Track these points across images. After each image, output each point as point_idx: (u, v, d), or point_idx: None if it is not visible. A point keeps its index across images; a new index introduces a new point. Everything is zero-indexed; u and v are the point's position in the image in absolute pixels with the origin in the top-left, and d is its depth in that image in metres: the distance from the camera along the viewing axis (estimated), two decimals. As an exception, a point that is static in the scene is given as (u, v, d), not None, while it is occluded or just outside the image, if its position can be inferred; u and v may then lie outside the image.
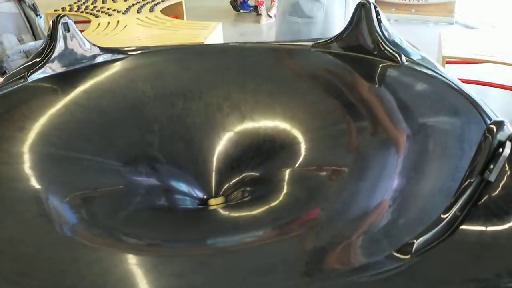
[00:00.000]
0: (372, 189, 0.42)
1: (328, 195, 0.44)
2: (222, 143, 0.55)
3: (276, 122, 0.55)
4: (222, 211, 0.48)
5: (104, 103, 0.56)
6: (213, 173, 0.54)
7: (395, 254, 0.32)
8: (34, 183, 0.43)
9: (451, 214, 0.33)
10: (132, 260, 0.38)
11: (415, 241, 0.32)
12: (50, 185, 0.43)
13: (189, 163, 0.54)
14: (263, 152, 0.53)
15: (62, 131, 0.52)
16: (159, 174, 0.51)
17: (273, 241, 0.41)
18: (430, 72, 0.54)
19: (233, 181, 0.53)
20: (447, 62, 1.32)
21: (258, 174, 0.52)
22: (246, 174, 0.53)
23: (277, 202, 0.46)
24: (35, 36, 1.25)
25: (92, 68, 0.60)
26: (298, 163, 0.49)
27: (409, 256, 0.32)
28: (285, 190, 0.48)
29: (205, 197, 0.53)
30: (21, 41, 1.22)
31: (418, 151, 0.43)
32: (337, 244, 0.37)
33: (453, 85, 0.50)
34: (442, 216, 0.33)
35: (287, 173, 0.49)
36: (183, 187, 0.52)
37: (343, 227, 0.39)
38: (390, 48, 0.57)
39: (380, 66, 0.58)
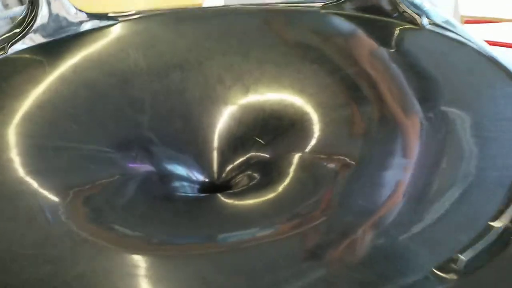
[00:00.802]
0: (397, 180, 0.37)
1: (343, 186, 0.39)
2: (224, 120, 0.50)
3: (283, 96, 0.49)
4: (228, 200, 0.43)
5: (93, 77, 0.50)
6: (215, 154, 0.49)
7: (438, 273, 0.27)
8: (15, 175, 0.39)
9: (505, 222, 0.27)
10: (127, 261, 0.34)
11: (461, 256, 0.27)
12: (35, 176, 0.38)
13: (189, 144, 0.49)
14: (270, 130, 0.48)
15: (46, 111, 0.46)
16: (156, 158, 0.46)
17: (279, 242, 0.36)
18: (456, 37, 0.49)
19: (237, 162, 0.48)
20: (466, 22, 1.24)
21: (265, 155, 0.47)
22: (252, 154, 0.48)
23: (286, 191, 0.41)
24: (21, 1, 1.19)
25: (78, 37, 0.54)
26: (310, 145, 0.44)
27: (456, 276, 0.27)
28: (294, 178, 0.43)
29: (207, 180, 0.48)
30: (6, 6, 1.16)
31: (449, 133, 0.38)
32: (356, 254, 0.31)
33: (485, 53, 0.44)
34: (492, 224, 0.28)
35: (297, 158, 0.43)
36: (183, 171, 0.47)
37: (366, 230, 0.34)
38: (409, 9, 0.52)
39: (399, 29, 0.52)
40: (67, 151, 0.43)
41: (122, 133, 0.46)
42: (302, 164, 0.43)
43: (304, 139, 0.44)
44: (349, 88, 0.47)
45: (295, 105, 0.48)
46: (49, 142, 0.43)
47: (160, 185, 0.44)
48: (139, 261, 0.33)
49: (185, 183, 0.46)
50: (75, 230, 0.34)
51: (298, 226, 0.38)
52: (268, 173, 0.44)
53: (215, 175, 0.49)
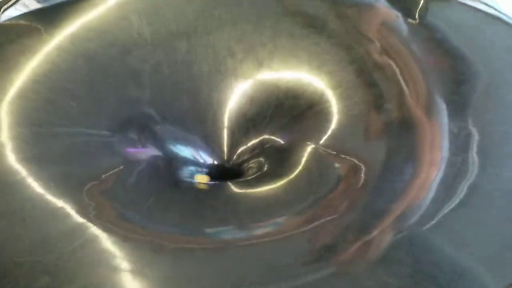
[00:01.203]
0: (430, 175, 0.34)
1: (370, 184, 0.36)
2: (235, 98, 0.46)
3: (300, 72, 0.45)
4: (239, 190, 0.40)
5: (92, 48, 0.46)
6: (225, 135, 0.45)
7: None
8: (7, 162, 0.35)
9: None
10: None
11: None
12: (30, 164, 0.35)
13: (196, 123, 0.45)
14: (285, 112, 0.44)
15: (42, 86, 0.42)
16: (160, 139, 0.43)
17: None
18: (490, 10, 0.44)
19: (249, 144, 0.45)
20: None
21: (279, 140, 0.43)
22: (265, 137, 0.44)
23: (301, 182, 0.38)
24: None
25: (76, 2, 0.50)
26: (330, 130, 0.40)
27: None
28: (309, 170, 0.39)
29: (216, 163, 0.45)
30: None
31: (490, 122, 0.34)
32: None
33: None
34: None
35: (315, 149, 0.40)
36: (190, 153, 0.44)
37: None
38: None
39: (424, 0, 0.47)
40: (66, 134, 0.39)
41: (124, 111, 0.43)
42: (320, 156, 0.39)
43: (324, 123, 0.41)
44: (372, 67, 0.43)
45: (313, 83, 0.44)
46: (45, 123, 0.40)
47: (166, 171, 0.41)
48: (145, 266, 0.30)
49: (192, 168, 0.42)
50: (76, 230, 0.31)
51: (313, 221, 0.35)
52: (282, 162, 0.41)
53: (225, 157, 0.45)
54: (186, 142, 0.44)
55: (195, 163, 0.43)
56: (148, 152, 0.42)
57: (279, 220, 0.36)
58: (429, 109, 0.37)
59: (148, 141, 0.42)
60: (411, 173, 0.35)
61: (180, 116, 0.45)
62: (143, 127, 0.42)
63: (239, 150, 0.45)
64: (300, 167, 0.39)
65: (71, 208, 0.32)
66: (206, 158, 0.44)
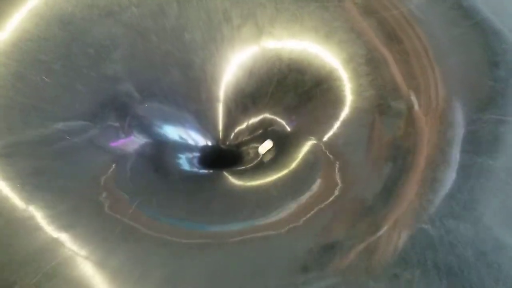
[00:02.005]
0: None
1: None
2: (232, 70, 0.41)
3: (305, 42, 0.40)
4: (237, 182, 0.36)
5: (69, 10, 0.40)
6: (220, 113, 0.40)
7: None
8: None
9: None
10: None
11: None
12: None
13: (188, 99, 0.40)
14: (289, 88, 0.39)
15: (12, 58, 0.37)
16: (146, 123, 0.38)
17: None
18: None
19: (247, 124, 0.40)
20: None
21: (281, 121, 0.38)
22: (266, 116, 0.40)
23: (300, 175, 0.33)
24: None
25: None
26: (338, 123, 0.35)
27: None
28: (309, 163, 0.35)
29: (209, 144, 0.41)
30: None
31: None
32: None
33: None
34: None
35: (315, 146, 0.35)
36: (178, 136, 0.39)
37: None
38: None
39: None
40: (39, 120, 0.34)
41: (106, 90, 0.38)
42: (317, 158, 0.34)
43: (332, 110, 0.36)
44: (389, 39, 0.37)
45: (320, 56, 0.39)
46: (15, 105, 0.34)
47: (157, 161, 0.36)
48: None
49: (182, 155, 0.38)
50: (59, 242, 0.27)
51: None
52: (283, 152, 0.36)
53: (220, 138, 0.41)
54: (174, 122, 0.39)
55: (186, 146, 0.39)
56: (134, 141, 0.37)
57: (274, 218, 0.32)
58: (446, 111, 0.33)
59: (133, 127, 0.37)
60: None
61: (169, 92, 0.40)
62: (125, 110, 0.37)
63: (236, 130, 0.40)
64: (295, 163, 0.35)
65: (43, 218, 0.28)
66: (198, 139, 0.39)
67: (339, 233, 0.30)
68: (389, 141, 0.32)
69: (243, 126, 0.40)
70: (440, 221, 0.28)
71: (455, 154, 0.30)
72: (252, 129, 0.40)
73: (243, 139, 0.40)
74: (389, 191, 0.30)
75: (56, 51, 0.38)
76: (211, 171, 0.38)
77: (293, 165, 0.35)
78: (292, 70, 0.39)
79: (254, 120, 0.40)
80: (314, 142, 0.35)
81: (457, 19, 0.36)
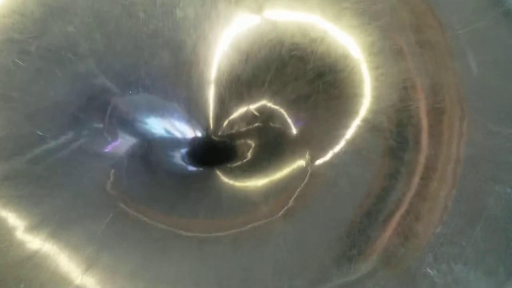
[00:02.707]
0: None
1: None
2: (227, 53, 0.37)
3: (310, 24, 0.35)
4: (230, 181, 0.32)
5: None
6: (211, 101, 0.37)
7: None
8: None
9: None
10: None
11: None
12: None
13: (178, 86, 0.36)
14: (288, 76, 0.35)
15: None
16: (128, 120, 0.34)
17: None
18: None
19: (241, 113, 0.36)
20: None
21: (280, 111, 0.34)
22: (264, 104, 0.36)
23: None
24: None
25: None
26: (335, 147, 0.31)
27: None
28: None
29: (199, 135, 0.37)
30: None
31: None
32: None
33: None
34: None
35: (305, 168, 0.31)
36: (163, 129, 0.35)
37: None
38: None
39: None
40: (11, 113, 0.31)
41: (87, 77, 0.34)
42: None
43: (337, 109, 0.32)
44: (403, 26, 0.33)
45: (326, 42, 0.34)
46: None
47: (147, 162, 0.33)
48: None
49: (171, 152, 0.34)
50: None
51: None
52: (278, 153, 0.33)
53: (211, 128, 0.37)
54: (161, 113, 0.35)
55: (174, 141, 0.35)
56: (122, 143, 0.34)
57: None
58: (462, 119, 0.28)
59: (115, 125, 0.33)
60: None
61: (156, 78, 0.36)
62: (105, 102, 0.33)
63: (228, 120, 0.37)
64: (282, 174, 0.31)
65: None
66: (187, 131, 0.36)
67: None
68: (391, 157, 0.28)
69: (236, 116, 0.36)
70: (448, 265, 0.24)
71: (469, 177, 0.26)
72: (247, 121, 0.36)
73: (236, 131, 0.36)
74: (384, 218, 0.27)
75: (33, 30, 0.35)
76: (201, 169, 0.34)
77: (279, 175, 0.32)
78: (293, 57, 0.35)
79: (248, 111, 0.36)
80: (304, 162, 0.31)
81: (482, 7, 0.31)
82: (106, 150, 0.32)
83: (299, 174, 0.30)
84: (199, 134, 0.37)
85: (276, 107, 0.34)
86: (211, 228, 0.29)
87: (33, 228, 0.26)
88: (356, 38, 0.33)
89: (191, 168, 0.35)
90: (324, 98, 0.32)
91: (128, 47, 0.36)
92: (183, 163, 0.35)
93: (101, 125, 0.33)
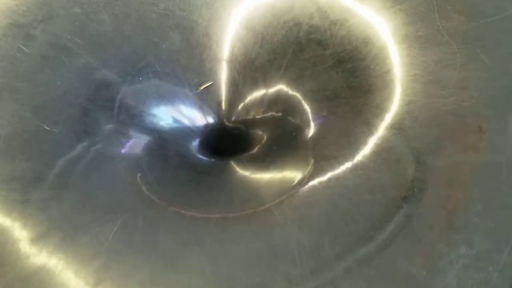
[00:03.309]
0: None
1: None
2: (241, 35, 0.35)
3: (330, 3, 0.33)
4: (246, 173, 0.31)
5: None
6: (225, 87, 0.35)
7: None
8: None
9: None
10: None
11: None
12: None
13: (189, 70, 0.35)
14: (305, 63, 0.33)
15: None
16: (136, 114, 0.33)
17: None
18: None
19: (256, 98, 0.35)
20: None
21: (297, 95, 0.32)
22: (280, 89, 0.34)
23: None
24: None
25: None
26: (379, 116, 0.29)
27: None
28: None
29: (211, 122, 0.36)
30: None
31: None
32: None
33: None
34: None
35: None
36: (171, 119, 0.34)
37: None
38: None
39: None
40: (17, 106, 0.30)
41: (95, 64, 0.32)
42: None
43: (363, 104, 0.29)
44: (431, 11, 0.30)
45: (348, 25, 0.32)
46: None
47: (161, 155, 0.32)
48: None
49: (184, 143, 0.33)
50: None
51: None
52: (297, 148, 0.31)
53: (224, 114, 0.36)
54: (172, 100, 0.34)
55: (186, 131, 0.34)
56: (136, 142, 0.32)
57: None
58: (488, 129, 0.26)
59: (122, 120, 0.32)
60: None
61: (167, 62, 0.34)
62: (113, 95, 0.32)
63: (243, 105, 0.35)
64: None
65: None
66: (199, 119, 0.35)
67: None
68: (413, 161, 0.26)
69: (250, 102, 0.34)
70: None
71: (497, 190, 0.24)
72: (265, 106, 0.34)
73: (250, 118, 0.35)
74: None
75: (38, 12, 0.33)
76: (216, 160, 0.33)
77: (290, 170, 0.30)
78: (312, 41, 0.33)
79: (264, 96, 0.34)
80: (318, 159, 0.30)
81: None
82: (123, 151, 0.31)
83: (310, 170, 0.29)
84: (211, 120, 0.35)
85: (294, 94, 0.33)
86: (225, 228, 0.28)
87: (39, 239, 0.26)
88: (378, 23, 0.31)
89: (205, 159, 0.34)
90: (344, 88, 0.30)
91: (137, 29, 0.34)
92: (197, 153, 0.34)
93: (111, 125, 0.31)
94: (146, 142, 0.32)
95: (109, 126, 0.30)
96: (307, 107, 0.32)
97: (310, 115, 0.32)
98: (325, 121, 0.30)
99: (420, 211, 0.25)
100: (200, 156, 0.34)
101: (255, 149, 0.34)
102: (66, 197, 0.27)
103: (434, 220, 0.25)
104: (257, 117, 0.34)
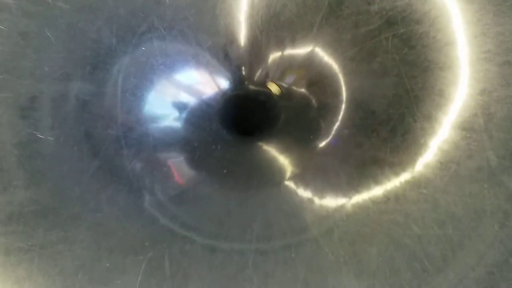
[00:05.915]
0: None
1: None
2: None
3: None
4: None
5: None
6: (245, 50, 0.29)
7: None
8: None
9: None
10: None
11: None
12: None
13: (202, 32, 0.28)
14: (346, 22, 0.26)
15: None
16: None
17: None
18: None
19: (277, 63, 0.29)
20: None
21: (328, 79, 0.26)
22: (313, 50, 0.27)
23: None
24: None
25: None
26: (434, 103, 0.22)
27: None
28: None
29: (231, 85, 0.30)
30: None
31: None
32: None
33: None
34: None
35: None
36: (185, 86, 0.29)
37: None
38: None
39: None
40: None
41: (88, 32, 0.26)
42: None
43: (415, 83, 0.23)
44: None
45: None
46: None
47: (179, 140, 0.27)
48: None
49: (203, 123, 0.28)
50: None
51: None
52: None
53: (245, 73, 0.30)
54: (187, 65, 0.28)
55: (200, 107, 0.29)
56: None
57: None
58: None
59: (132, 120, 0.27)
60: None
61: (173, 23, 0.28)
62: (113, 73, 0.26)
63: (258, 72, 0.30)
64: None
65: None
66: (211, 88, 0.29)
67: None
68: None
69: (274, 66, 0.29)
70: None
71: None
72: (283, 68, 0.28)
73: (275, 88, 0.29)
74: None
75: None
76: (240, 138, 0.29)
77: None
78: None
79: (291, 62, 0.28)
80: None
81: None
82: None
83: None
84: (231, 83, 0.30)
85: (329, 62, 0.27)
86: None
87: None
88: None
89: (228, 137, 0.29)
90: (396, 62, 0.24)
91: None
92: (220, 130, 0.29)
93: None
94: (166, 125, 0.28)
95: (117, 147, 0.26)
96: (345, 83, 0.26)
97: (345, 92, 0.26)
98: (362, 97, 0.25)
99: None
100: (220, 135, 0.29)
101: (275, 126, 0.29)
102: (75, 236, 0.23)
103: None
104: (284, 86, 0.29)
